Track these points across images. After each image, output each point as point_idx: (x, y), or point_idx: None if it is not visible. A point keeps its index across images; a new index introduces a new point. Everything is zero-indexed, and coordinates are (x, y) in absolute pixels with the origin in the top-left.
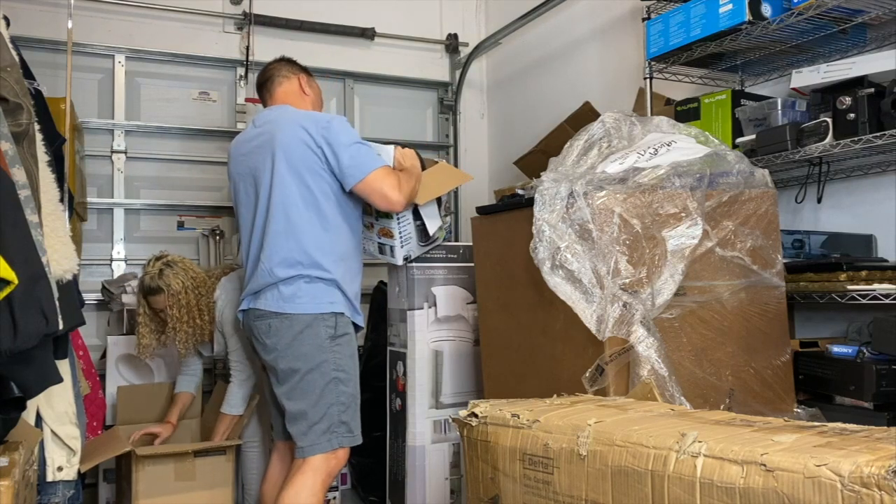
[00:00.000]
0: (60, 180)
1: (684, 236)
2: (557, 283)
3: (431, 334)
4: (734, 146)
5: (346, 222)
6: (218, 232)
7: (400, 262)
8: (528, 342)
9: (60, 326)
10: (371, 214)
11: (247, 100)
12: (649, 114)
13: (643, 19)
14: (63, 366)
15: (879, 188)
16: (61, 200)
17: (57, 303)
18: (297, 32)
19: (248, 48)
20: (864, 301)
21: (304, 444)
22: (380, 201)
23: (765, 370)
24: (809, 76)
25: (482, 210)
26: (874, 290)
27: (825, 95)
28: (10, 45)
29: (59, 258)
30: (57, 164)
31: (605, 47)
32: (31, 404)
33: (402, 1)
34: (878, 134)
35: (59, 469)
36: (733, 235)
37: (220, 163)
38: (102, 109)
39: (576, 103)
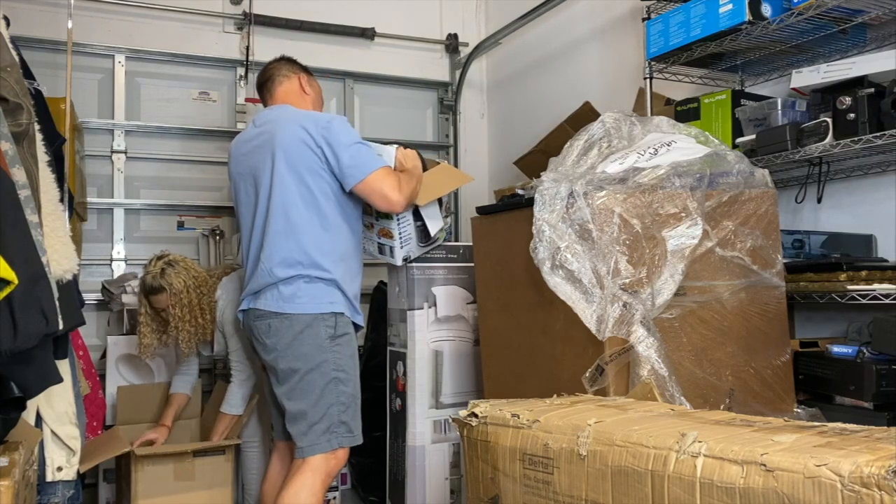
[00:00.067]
0: (60, 180)
1: (684, 236)
2: (557, 283)
3: (431, 334)
4: (734, 146)
5: (346, 222)
6: (218, 232)
7: (399, 262)
8: (528, 342)
9: (60, 326)
10: (371, 214)
11: (247, 100)
12: (649, 114)
13: (643, 19)
14: (63, 366)
15: (879, 188)
16: (61, 200)
17: (57, 303)
18: (297, 32)
19: (248, 48)
20: (864, 301)
21: (303, 444)
22: (380, 202)
23: (765, 370)
24: (809, 76)
25: (482, 210)
26: (874, 290)
27: (825, 95)
28: (10, 45)
29: (59, 258)
30: (57, 164)
31: (605, 47)
32: (31, 404)
33: (402, 1)
34: (878, 134)
35: (59, 469)
36: (733, 235)
37: (220, 163)
38: (102, 109)
39: (576, 103)
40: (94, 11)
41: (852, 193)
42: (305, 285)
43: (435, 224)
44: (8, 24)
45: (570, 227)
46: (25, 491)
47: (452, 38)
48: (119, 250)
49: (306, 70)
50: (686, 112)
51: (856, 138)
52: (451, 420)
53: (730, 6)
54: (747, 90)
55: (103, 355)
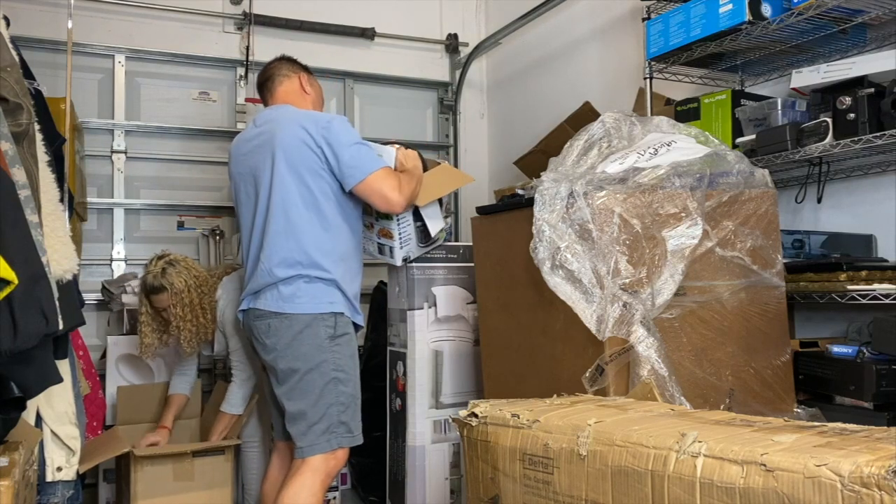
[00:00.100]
0: (60, 180)
1: (684, 236)
2: (557, 283)
3: (431, 334)
4: (734, 146)
5: (346, 222)
6: (218, 232)
7: (399, 263)
8: (528, 342)
9: (60, 326)
10: (371, 214)
11: (247, 100)
12: (649, 114)
13: (643, 19)
14: (63, 366)
15: (879, 188)
16: (61, 200)
17: (57, 303)
18: (297, 32)
19: (248, 48)
20: (864, 301)
21: (303, 444)
22: (379, 202)
23: (765, 370)
24: (809, 76)
25: (482, 210)
26: (874, 290)
27: (825, 95)
28: (10, 45)
29: (59, 258)
30: (57, 164)
31: (605, 47)
32: (31, 404)
33: (402, 1)
34: (878, 134)
35: (59, 469)
36: (733, 235)
37: (220, 163)
38: (102, 109)
39: (576, 103)
40: (94, 11)
41: (852, 193)
42: (305, 285)
43: (436, 224)
44: (8, 24)
45: (570, 227)
46: (25, 491)
47: (452, 38)
48: (119, 250)
49: (307, 69)
50: (686, 112)
51: (856, 138)
52: (451, 420)
53: (730, 6)
54: (747, 90)
55: (103, 355)
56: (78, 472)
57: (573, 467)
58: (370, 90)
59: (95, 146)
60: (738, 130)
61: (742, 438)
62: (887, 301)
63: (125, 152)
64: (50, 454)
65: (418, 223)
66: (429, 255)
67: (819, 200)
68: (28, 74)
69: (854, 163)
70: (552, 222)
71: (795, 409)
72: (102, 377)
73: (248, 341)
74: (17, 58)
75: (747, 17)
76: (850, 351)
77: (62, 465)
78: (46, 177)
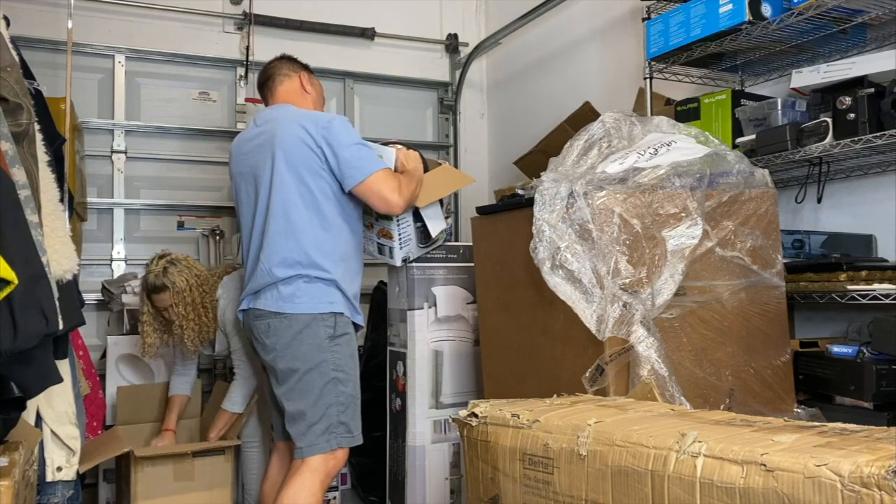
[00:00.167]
0: (60, 180)
1: (684, 236)
2: (557, 283)
3: (431, 334)
4: (734, 146)
5: (346, 222)
6: (218, 232)
7: (398, 263)
8: (528, 342)
9: (60, 326)
10: (371, 215)
11: (247, 100)
12: (649, 114)
13: (643, 19)
14: (63, 366)
15: (879, 188)
16: (61, 200)
17: (57, 303)
18: (297, 32)
19: (248, 48)
20: (864, 301)
21: (302, 444)
22: (379, 204)
23: (765, 370)
24: (809, 76)
25: (482, 210)
26: (874, 290)
27: (825, 95)
28: (10, 45)
29: (59, 258)
30: (57, 164)
31: (605, 47)
32: (31, 404)
33: (402, 1)
34: (878, 134)
35: (59, 469)
36: (733, 235)
37: (220, 163)
38: (102, 109)
39: (576, 103)
40: (94, 11)
41: (852, 193)
42: (305, 285)
43: (436, 225)
44: (8, 24)
45: (570, 227)
46: (25, 491)
47: (452, 38)
48: (119, 250)
49: (307, 68)
50: (686, 112)
51: (856, 138)
52: (451, 420)
53: (730, 6)
54: (747, 90)
55: (103, 355)
56: (78, 472)
57: (573, 467)
58: (370, 90)
59: (95, 146)
60: (738, 130)
61: (742, 438)
62: (887, 301)
63: (125, 152)
64: (50, 454)
65: (418, 224)
66: (429, 255)
67: (819, 200)
68: (28, 74)
69: (854, 163)
70: (552, 222)
71: (795, 409)
72: (102, 377)
73: (249, 341)
74: (17, 58)
75: (747, 17)
76: (850, 351)
77: (62, 465)
78: (46, 177)
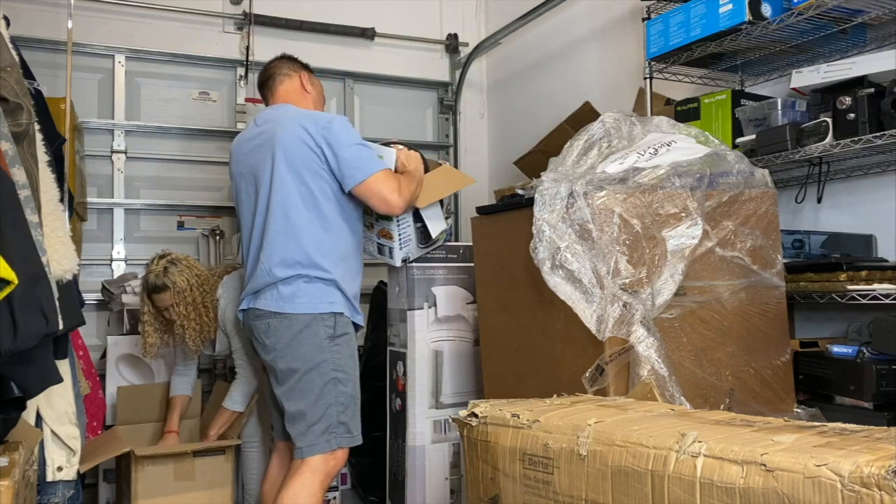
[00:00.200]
0: (60, 180)
1: (684, 236)
2: (557, 283)
3: (431, 334)
4: (734, 146)
5: (346, 222)
6: (218, 232)
7: (398, 263)
8: (528, 342)
9: (60, 326)
10: (371, 215)
11: (247, 100)
12: (649, 114)
13: (643, 19)
14: (63, 366)
15: (879, 188)
16: (61, 200)
17: (57, 303)
18: (297, 32)
19: (248, 48)
20: (864, 301)
21: (302, 444)
22: (379, 204)
23: (765, 370)
24: (809, 76)
25: (482, 210)
26: (874, 290)
27: (825, 95)
28: (10, 45)
29: (59, 258)
30: (57, 164)
31: (605, 47)
32: (31, 404)
33: (402, 1)
34: (878, 134)
35: (59, 469)
36: (733, 235)
37: (220, 163)
38: (102, 109)
39: (576, 103)
40: (94, 11)
41: (852, 193)
42: (305, 285)
43: (436, 226)
44: (8, 24)
45: (570, 227)
46: (25, 491)
47: (452, 38)
48: (119, 250)
49: (307, 68)
50: (686, 112)
51: (856, 138)
52: (451, 420)
53: (730, 6)
54: (747, 90)
55: (103, 355)
56: (78, 472)
57: (573, 467)
58: (370, 90)
59: (95, 146)
60: (738, 130)
61: (742, 438)
62: (887, 301)
63: (125, 152)
64: (50, 454)
65: (418, 224)
66: (429, 255)
67: (819, 200)
68: (28, 74)
69: (854, 163)
70: (552, 222)
71: (795, 409)
72: (102, 377)
73: (248, 341)
74: (17, 58)
75: (747, 17)
76: (850, 351)
77: (62, 464)
78: (46, 177)
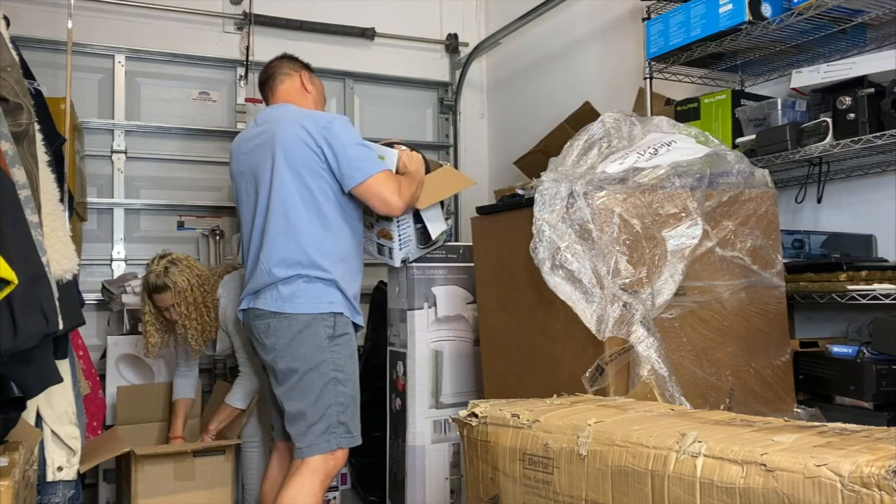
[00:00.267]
0: (60, 180)
1: (684, 236)
2: (557, 283)
3: (431, 334)
4: (734, 146)
5: (346, 222)
6: (218, 232)
7: (398, 264)
8: (528, 342)
9: (60, 326)
10: (371, 215)
11: (247, 100)
12: (649, 114)
13: (643, 19)
14: (63, 366)
15: (879, 188)
16: (61, 200)
17: (57, 303)
18: (297, 32)
19: (248, 48)
20: (864, 301)
21: (302, 444)
22: (378, 205)
23: (765, 370)
24: (809, 76)
25: (482, 210)
26: (874, 290)
27: (825, 95)
28: (10, 45)
29: (59, 258)
30: (57, 164)
31: (605, 47)
32: (31, 404)
33: (402, 1)
34: (878, 134)
35: (59, 469)
36: (733, 235)
37: (220, 163)
38: (102, 109)
39: (576, 103)
40: (94, 11)
41: (852, 193)
42: (305, 285)
43: (437, 226)
44: (8, 24)
45: (570, 227)
46: (25, 491)
47: (452, 38)
48: (119, 250)
49: (308, 67)
50: (686, 112)
51: (856, 138)
52: (451, 420)
53: (730, 6)
54: (747, 90)
55: (103, 355)
56: (78, 472)
57: (573, 467)
58: (370, 90)
59: (95, 146)
60: (738, 130)
61: (742, 438)
62: (887, 301)
63: (125, 152)
64: (50, 454)
65: (418, 225)
66: (429, 256)
67: (819, 200)
68: (28, 74)
69: (854, 163)
70: (552, 222)
71: (795, 409)
72: (102, 377)
73: (248, 341)
74: (17, 58)
75: (747, 17)
76: (850, 351)
77: (63, 464)
78: (46, 177)
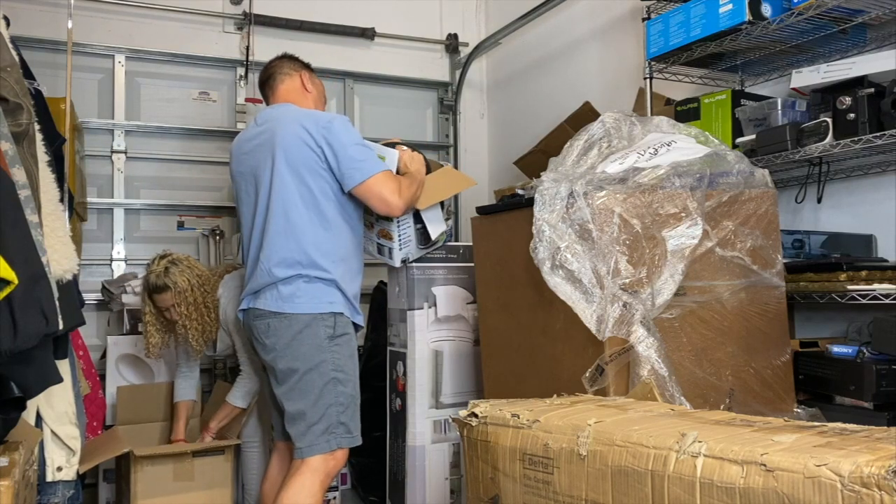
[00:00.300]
0: (60, 180)
1: (684, 236)
2: (557, 283)
3: (431, 334)
4: (734, 146)
5: (346, 222)
6: (218, 232)
7: (398, 264)
8: (528, 342)
9: (60, 326)
10: (372, 215)
11: (247, 100)
12: (649, 114)
13: (643, 19)
14: (63, 366)
15: (879, 188)
16: (61, 200)
17: (57, 303)
18: (297, 32)
19: (248, 48)
20: (864, 301)
21: (302, 444)
22: (378, 205)
23: (765, 370)
24: (809, 76)
25: (482, 210)
26: (874, 290)
27: (825, 95)
28: (10, 45)
29: (59, 258)
30: (57, 164)
31: (605, 47)
32: (31, 404)
33: (402, 1)
34: (878, 134)
35: (59, 469)
36: (733, 235)
37: (220, 163)
38: (102, 109)
39: (576, 103)
40: (94, 11)
41: (852, 193)
42: (305, 285)
43: (436, 227)
44: (8, 24)
45: (570, 227)
46: (25, 491)
47: (452, 38)
48: (119, 250)
49: (308, 67)
50: (686, 112)
51: (856, 138)
52: (451, 420)
53: (730, 6)
54: (747, 90)
55: (103, 355)
56: (78, 472)
57: (573, 467)
58: (370, 90)
59: (95, 146)
60: (738, 130)
61: (742, 438)
62: (887, 301)
63: (125, 152)
64: (50, 454)
65: (418, 225)
66: (429, 256)
67: (819, 200)
68: (28, 74)
69: (854, 163)
70: (552, 222)
71: (795, 409)
72: (102, 377)
73: (248, 340)
74: (17, 58)
75: (747, 17)
76: (850, 351)
77: (62, 465)
78: (46, 177)
